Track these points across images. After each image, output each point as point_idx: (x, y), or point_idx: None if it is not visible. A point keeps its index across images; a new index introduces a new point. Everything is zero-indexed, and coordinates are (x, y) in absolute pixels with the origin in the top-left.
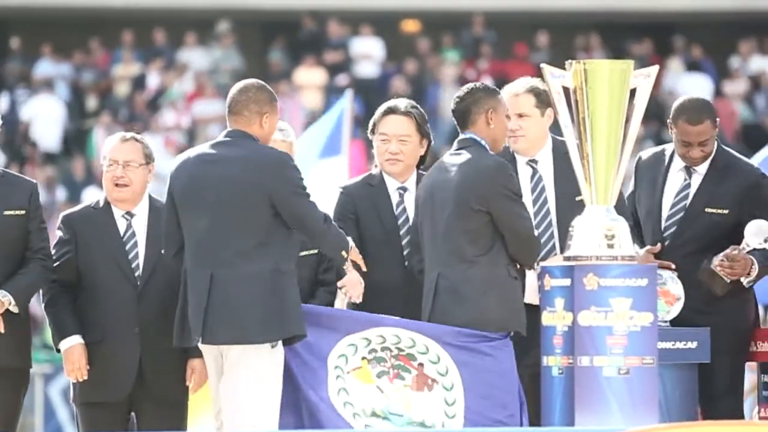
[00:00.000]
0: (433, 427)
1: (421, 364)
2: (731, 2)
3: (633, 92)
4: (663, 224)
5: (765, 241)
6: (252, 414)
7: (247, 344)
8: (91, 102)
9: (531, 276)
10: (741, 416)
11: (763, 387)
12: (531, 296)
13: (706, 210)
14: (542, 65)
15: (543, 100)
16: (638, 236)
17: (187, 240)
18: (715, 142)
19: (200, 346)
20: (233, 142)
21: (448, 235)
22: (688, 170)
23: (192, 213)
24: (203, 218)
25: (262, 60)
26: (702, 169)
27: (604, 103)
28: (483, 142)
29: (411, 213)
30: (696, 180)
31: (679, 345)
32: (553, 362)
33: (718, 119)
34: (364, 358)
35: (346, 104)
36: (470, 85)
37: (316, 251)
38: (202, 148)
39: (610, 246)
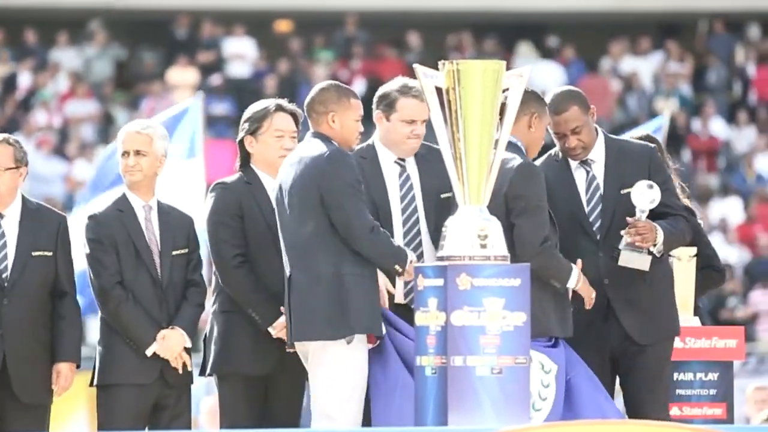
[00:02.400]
0: None
1: None
2: (603, 3)
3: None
4: (590, 221)
5: (652, 201)
6: (331, 407)
7: (318, 340)
8: None
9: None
10: (663, 410)
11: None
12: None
13: (622, 192)
14: (415, 65)
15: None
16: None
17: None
18: (598, 132)
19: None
20: (308, 143)
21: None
22: (586, 163)
23: (279, 216)
24: (284, 220)
25: (135, 60)
26: (598, 157)
27: (477, 103)
28: (519, 144)
29: None
30: (598, 169)
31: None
32: (427, 362)
33: (592, 107)
34: None
35: (200, 106)
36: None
37: (186, 250)
38: (299, 146)
39: (483, 246)
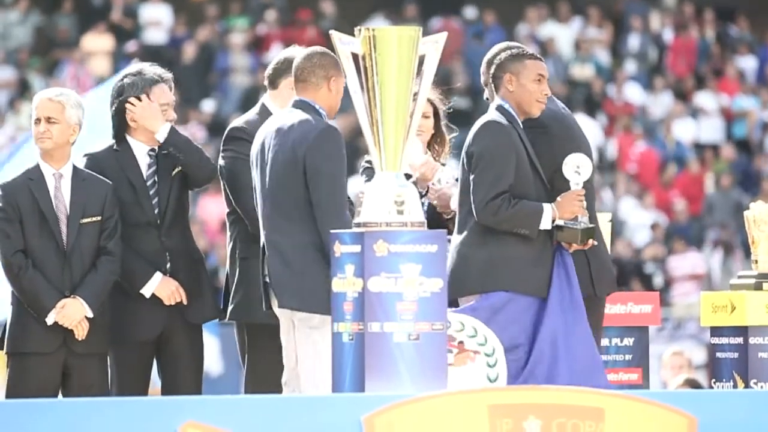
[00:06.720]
0: None
1: (461, 342)
2: None
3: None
4: None
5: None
6: (306, 376)
7: (306, 312)
8: None
9: None
10: None
11: None
12: None
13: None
14: (331, 32)
15: None
16: None
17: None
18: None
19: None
20: (293, 113)
21: None
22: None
23: (260, 178)
24: (263, 184)
25: (51, 25)
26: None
27: (393, 69)
28: (506, 106)
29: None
30: None
31: None
32: (344, 328)
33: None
34: None
35: None
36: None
37: (99, 218)
38: (280, 113)
39: (400, 212)
